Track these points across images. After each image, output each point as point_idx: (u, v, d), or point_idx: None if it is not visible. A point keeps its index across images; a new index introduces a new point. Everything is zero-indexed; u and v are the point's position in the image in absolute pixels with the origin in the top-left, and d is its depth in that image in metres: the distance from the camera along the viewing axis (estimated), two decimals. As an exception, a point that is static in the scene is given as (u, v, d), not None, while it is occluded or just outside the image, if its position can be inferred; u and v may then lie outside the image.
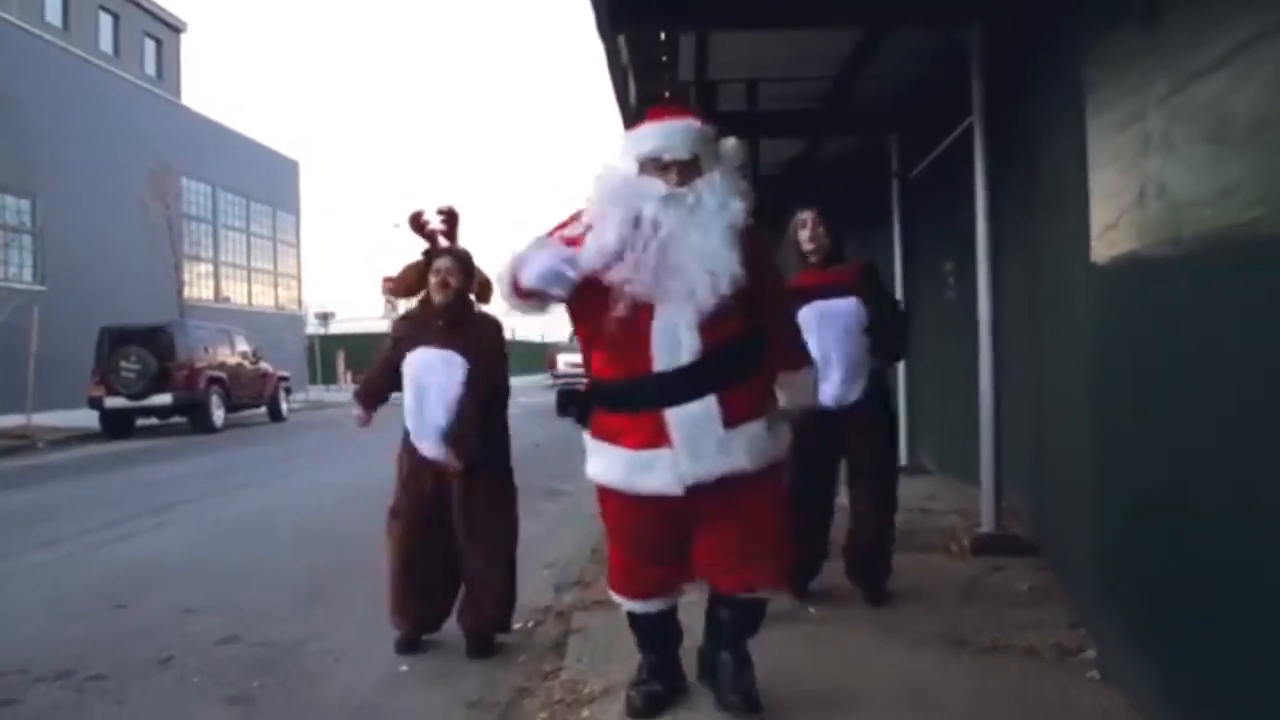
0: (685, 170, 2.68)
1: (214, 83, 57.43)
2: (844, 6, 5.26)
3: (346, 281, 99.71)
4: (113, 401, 15.85)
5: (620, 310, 2.61)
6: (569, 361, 25.46)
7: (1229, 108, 2.25)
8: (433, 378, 3.71)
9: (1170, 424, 2.64)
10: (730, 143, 2.79)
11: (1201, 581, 2.43)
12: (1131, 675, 2.92)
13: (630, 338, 2.65)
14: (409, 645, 3.93)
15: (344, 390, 31.18)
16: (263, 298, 32.29)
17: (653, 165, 2.69)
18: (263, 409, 19.22)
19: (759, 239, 2.84)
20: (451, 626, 3.98)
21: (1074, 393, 3.68)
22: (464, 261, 3.86)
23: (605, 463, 2.78)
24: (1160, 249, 2.68)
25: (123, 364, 15.81)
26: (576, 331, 2.92)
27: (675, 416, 2.66)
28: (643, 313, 2.61)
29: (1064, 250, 3.85)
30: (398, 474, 3.94)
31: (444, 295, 3.79)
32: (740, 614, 2.89)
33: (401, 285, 3.98)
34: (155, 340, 16.25)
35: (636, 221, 2.59)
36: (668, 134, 2.71)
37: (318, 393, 28.35)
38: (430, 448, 3.73)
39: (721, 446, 2.68)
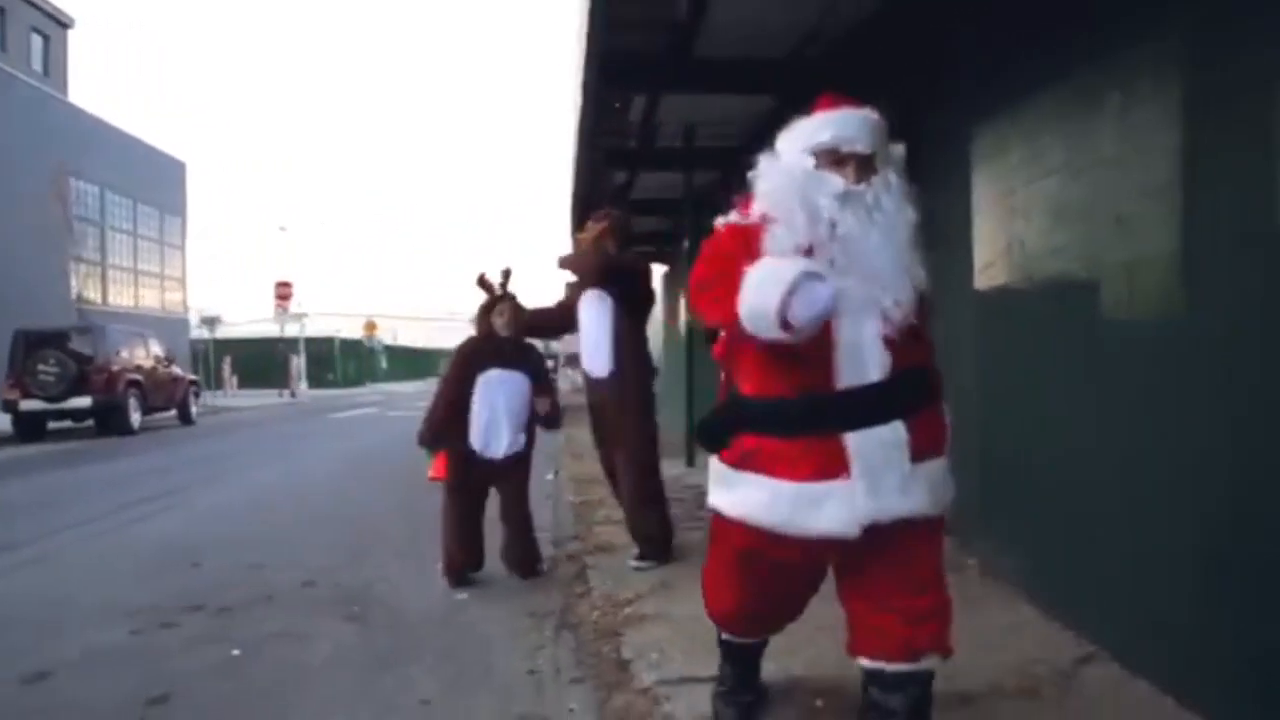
0: (862, 166, 2.37)
1: (102, 81, 55.34)
2: (768, 82, 6.63)
3: (233, 285, 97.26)
4: (29, 404, 15.96)
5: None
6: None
7: (1063, 198, 3.66)
8: (503, 389, 4.99)
9: (1026, 398, 4.06)
10: (899, 147, 2.50)
11: (1053, 502, 3.83)
12: (1008, 569, 4.31)
13: (808, 349, 2.23)
14: (459, 579, 5.05)
15: (230, 396, 31.15)
16: (148, 301, 31.84)
17: (827, 158, 2.38)
18: (173, 412, 19.44)
19: None
20: (482, 575, 5.15)
21: (966, 377, 5.09)
22: (519, 305, 5.19)
23: (757, 498, 2.35)
24: (1020, 284, 4.10)
25: (40, 367, 15.94)
26: (721, 341, 2.57)
27: (858, 442, 2.28)
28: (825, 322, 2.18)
29: (956, 279, 5.25)
30: (450, 464, 5.09)
31: (510, 330, 5.03)
32: (909, 691, 2.39)
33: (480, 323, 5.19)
34: (73, 343, 16.46)
35: (812, 215, 2.32)
36: (847, 124, 2.40)
37: (210, 398, 28.20)
38: (496, 443, 4.95)
39: (905, 483, 2.32)
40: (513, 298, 5.16)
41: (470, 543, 5.09)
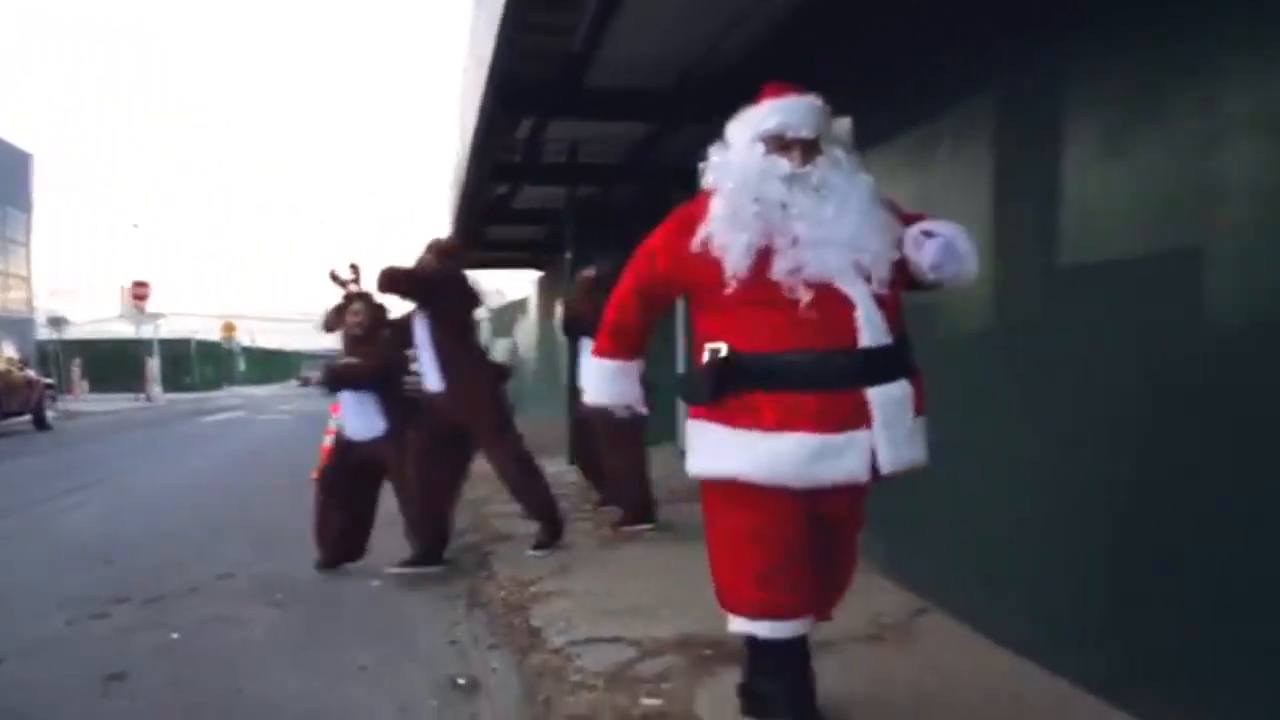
0: (807, 149, 2.53)
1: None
2: (651, 111, 7.31)
3: (83, 283, 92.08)
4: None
5: (805, 295, 2.42)
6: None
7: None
8: None
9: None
10: (844, 122, 2.70)
11: (896, 490, 4.59)
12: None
13: (827, 309, 2.42)
14: (328, 564, 5.47)
15: (80, 400, 29.75)
16: (-10, 300, 30.23)
17: (774, 143, 2.53)
18: (27, 417, 18.72)
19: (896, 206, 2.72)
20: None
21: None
22: (375, 304, 5.63)
23: (766, 455, 2.42)
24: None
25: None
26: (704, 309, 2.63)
27: (879, 396, 2.44)
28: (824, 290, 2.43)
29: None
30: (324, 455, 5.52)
31: (363, 329, 5.53)
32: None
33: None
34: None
35: (761, 203, 2.47)
36: (791, 110, 2.56)
37: (60, 402, 27.00)
38: (354, 425, 5.46)
39: (910, 436, 2.53)
40: (367, 296, 5.53)
41: (335, 530, 5.45)
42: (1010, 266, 3.67)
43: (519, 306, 20.39)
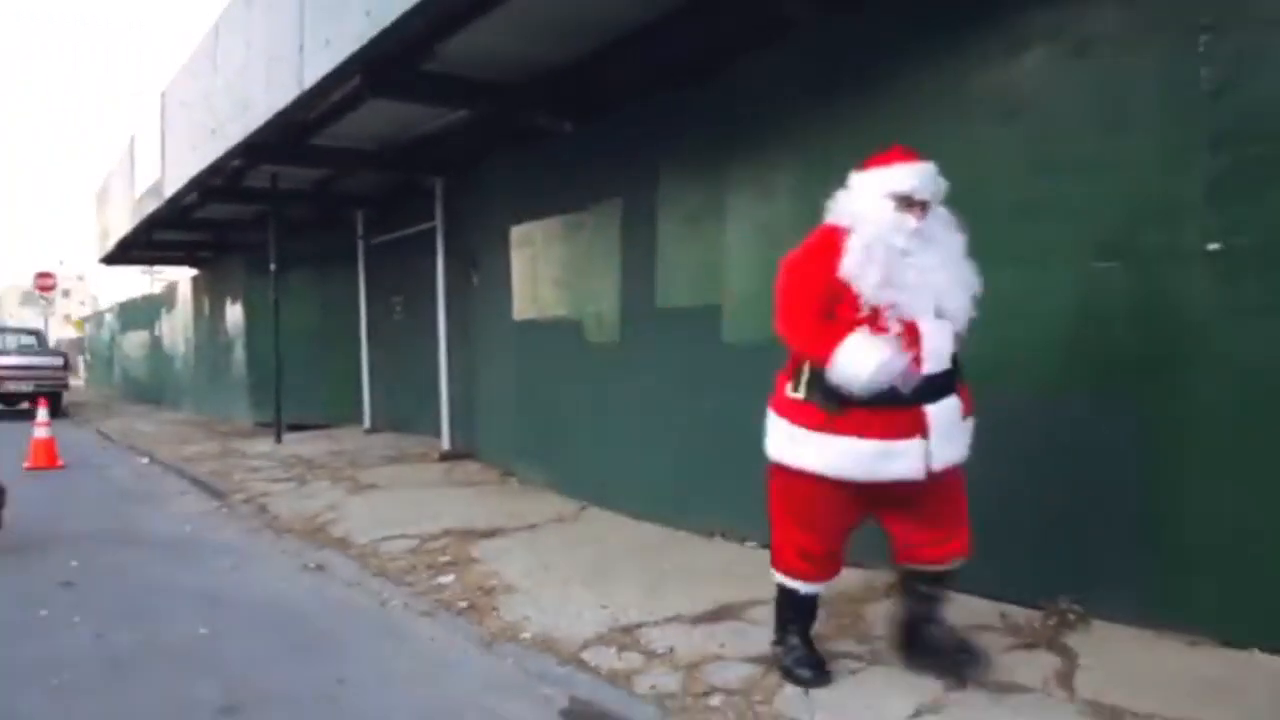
0: (924, 207, 3.09)
1: None
2: (357, 165, 9.40)
3: None
4: None
5: (895, 326, 3.03)
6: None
7: (558, 270, 7.11)
8: None
9: (544, 381, 7.46)
10: (943, 184, 3.16)
11: (560, 441, 7.26)
12: (536, 479, 7.66)
13: (905, 339, 3.03)
14: None
15: None
16: None
17: (903, 201, 3.07)
18: None
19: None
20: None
21: (510, 369, 8.34)
22: None
23: (838, 454, 3.08)
24: (537, 318, 7.50)
25: None
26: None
27: (936, 410, 3.06)
28: (908, 324, 3.04)
29: (497, 308, 8.50)
30: None
31: None
32: (946, 582, 3.35)
33: None
34: None
35: (889, 250, 3.03)
36: (920, 175, 3.10)
37: None
38: None
39: (961, 436, 3.16)
40: None
41: None
42: (625, 306, 6.46)
43: (164, 300, 20.58)
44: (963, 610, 3.73)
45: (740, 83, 5.54)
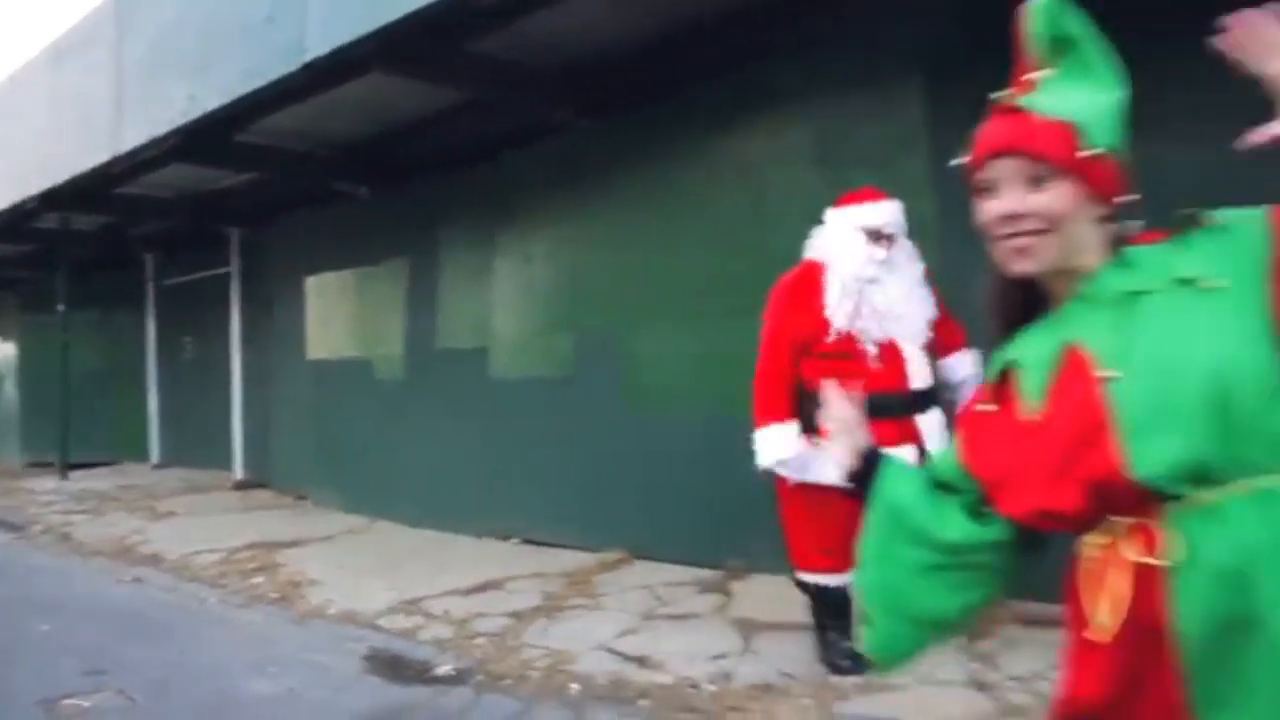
0: (891, 239, 3.48)
1: None
2: (153, 214, 10.05)
3: None
4: None
5: (873, 349, 3.39)
6: None
7: (343, 314, 8.18)
8: None
9: (333, 419, 8.45)
10: (903, 221, 3.57)
11: (350, 465, 8.26)
12: (327, 500, 8.58)
13: (888, 360, 3.40)
14: None
15: None
16: None
17: (872, 235, 3.47)
18: None
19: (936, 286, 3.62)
20: None
21: (297, 411, 9.20)
22: None
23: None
24: (331, 358, 8.50)
25: None
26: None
27: (926, 421, 3.46)
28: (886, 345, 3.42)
29: (292, 349, 9.36)
30: None
31: None
32: None
33: None
34: None
35: (860, 281, 3.40)
36: (887, 212, 3.51)
37: None
38: None
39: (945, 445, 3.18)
40: None
41: None
42: (410, 348, 7.61)
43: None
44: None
45: (508, 169, 6.87)
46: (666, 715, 3.53)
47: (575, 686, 3.84)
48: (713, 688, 3.69)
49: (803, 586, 3.74)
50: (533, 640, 4.42)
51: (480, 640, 4.49)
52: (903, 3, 4.68)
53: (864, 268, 3.47)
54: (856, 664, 3.43)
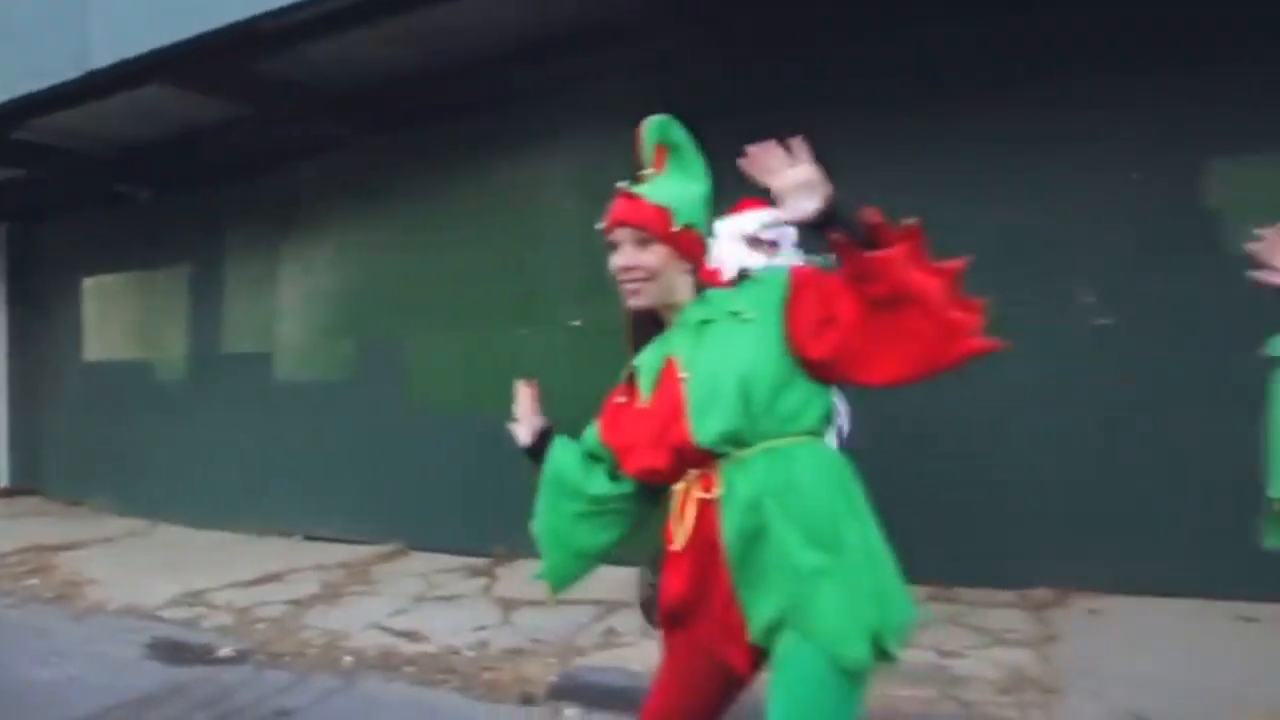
0: (772, 244, 3.68)
1: None
2: None
3: None
4: None
5: None
6: None
7: (119, 319, 8.19)
8: None
9: (112, 422, 8.42)
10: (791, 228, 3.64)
11: (118, 467, 8.25)
12: (106, 504, 8.49)
13: None
14: None
15: None
16: None
17: (752, 241, 3.64)
18: None
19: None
20: None
21: (72, 414, 9.04)
22: None
23: None
24: (110, 359, 8.46)
25: None
26: None
27: None
28: None
29: (67, 352, 9.17)
30: None
31: None
32: None
33: None
34: None
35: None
36: (765, 220, 3.62)
37: None
38: None
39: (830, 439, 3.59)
40: None
41: None
42: (193, 352, 7.74)
43: None
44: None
45: (293, 179, 7.16)
46: (429, 677, 4.06)
47: (349, 659, 4.30)
48: (471, 654, 4.24)
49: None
50: (311, 623, 4.83)
51: (261, 625, 4.85)
52: (639, 54, 5.41)
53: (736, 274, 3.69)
54: None
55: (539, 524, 2.13)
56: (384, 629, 4.65)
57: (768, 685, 1.77)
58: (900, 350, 1.72)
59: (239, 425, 7.39)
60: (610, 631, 4.38)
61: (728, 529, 1.81)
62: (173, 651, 4.59)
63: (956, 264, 1.71)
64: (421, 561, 5.96)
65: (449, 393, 6.17)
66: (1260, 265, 1.51)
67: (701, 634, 1.89)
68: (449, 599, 5.15)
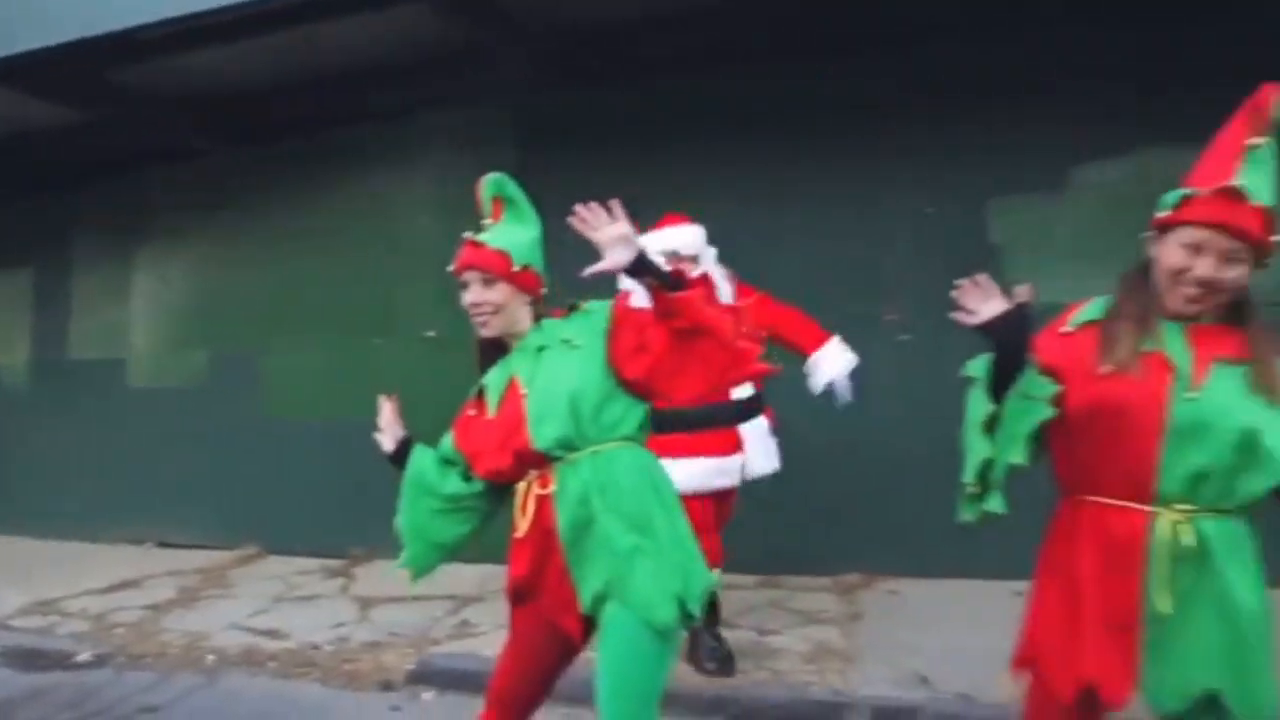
0: (695, 261, 3.60)
1: None
2: None
3: None
4: None
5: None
6: None
7: (87, 322, 7.97)
8: None
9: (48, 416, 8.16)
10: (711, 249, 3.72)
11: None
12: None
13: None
14: None
15: None
16: None
17: (673, 258, 3.47)
18: None
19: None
20: None
21: None
22: None
23: (684, 473, 3.17)
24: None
25: None
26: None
27: (750, 430, 3.71)
28: None
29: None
30: None
31: None
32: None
33: None
34: None
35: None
36: (685, 236, 3.65)
37: None
38: None
39: (769, 452, 3.82)
40: None
41: None
42: (37, 358, 7.60)
43: None
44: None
45: (147, 185, 7.16)
46: (291, 671, 4.29)
47: (211, 657, 4.48)
48: (331, 648, 4.49)
49: None
50: (171, 626, 4.95)
51: (119, 630, 4.94)
52: (495, 80, 5.77)
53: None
54: (723, 666, 3.76)
55: (402, 519, 2.47)
56: (244, 629, 4.83)
57: (598, 647, 2.18)
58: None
59: (87, 432, 7.29)
60: (464, 623, 4.72)
61: (561, 519, 2.21)
62: (27, 658, 4.64)
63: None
64: (279, 565, 6.10)
65: (305, 400, 6.35)
66: (959, 309, 1.99)
67: (543, 607, 2.28)
68: (308, 599, 5.35)
